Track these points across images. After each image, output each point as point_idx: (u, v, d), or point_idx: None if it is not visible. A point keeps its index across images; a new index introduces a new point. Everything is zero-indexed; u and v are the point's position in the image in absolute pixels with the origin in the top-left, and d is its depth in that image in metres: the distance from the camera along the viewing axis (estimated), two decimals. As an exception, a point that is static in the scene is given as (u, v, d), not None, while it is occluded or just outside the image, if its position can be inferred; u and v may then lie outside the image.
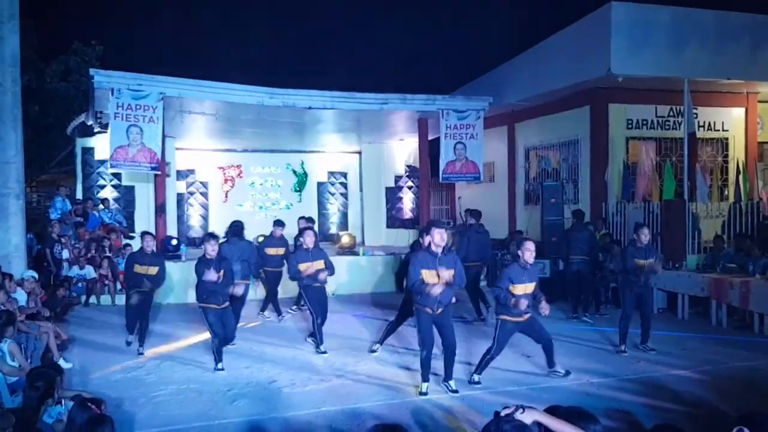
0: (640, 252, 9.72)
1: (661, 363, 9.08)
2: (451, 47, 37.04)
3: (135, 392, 7.81)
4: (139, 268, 9.82)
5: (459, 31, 39.51)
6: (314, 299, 9.78)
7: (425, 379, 7.73)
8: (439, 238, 7.70)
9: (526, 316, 8.10)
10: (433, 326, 7.79)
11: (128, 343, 10.10)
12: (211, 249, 8.87)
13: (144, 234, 10.30)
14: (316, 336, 9.85)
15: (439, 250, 7.71)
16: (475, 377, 8.08)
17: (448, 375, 7.90)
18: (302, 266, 9.64)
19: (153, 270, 9.87)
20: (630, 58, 14.15)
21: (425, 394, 7.61)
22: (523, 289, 7.90)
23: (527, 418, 3.40)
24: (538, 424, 3.54)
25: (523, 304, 7.90)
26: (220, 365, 8.79)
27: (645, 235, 9.76)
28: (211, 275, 8.68)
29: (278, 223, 12.59)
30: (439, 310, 7.72)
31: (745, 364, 9.03)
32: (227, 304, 9.06)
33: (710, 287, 11.84)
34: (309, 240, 9.82)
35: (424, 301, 7.69)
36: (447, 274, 7.65)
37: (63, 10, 29.01)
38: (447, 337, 7.86)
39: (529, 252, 7.93)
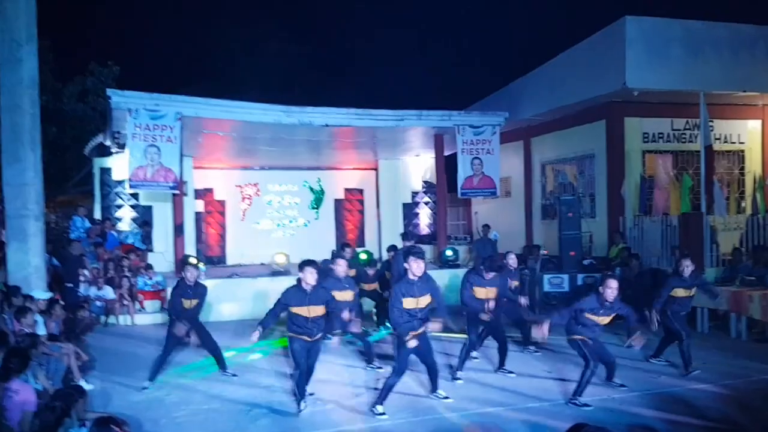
0: (685, 282, 9.42)
1: (682, 377, 9.03)
2: (467, 63, 37.13)
3: (156, 413, 7.82)
4: (184, 303, 9.20)
5: (474, 47, 39.62)
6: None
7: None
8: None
9: None
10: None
11: (144, 389, 8.79)
12: (311, 278, 7.67)
13: (186, 264, 9.68)
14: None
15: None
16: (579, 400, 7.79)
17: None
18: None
19: (194, 302, 9.30)
20: (645, 71, 14.20)
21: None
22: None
23: None
24: None
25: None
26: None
27: (688, 267, 9.39)
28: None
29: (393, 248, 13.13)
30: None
31: (766, 377, 8.96)
32: (318, 336, 7.90)
33: (729, 300, 11.77)
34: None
35: None
36: None
37: (79, 30, 29.40)
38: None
39: (610, 290, 7.90)
